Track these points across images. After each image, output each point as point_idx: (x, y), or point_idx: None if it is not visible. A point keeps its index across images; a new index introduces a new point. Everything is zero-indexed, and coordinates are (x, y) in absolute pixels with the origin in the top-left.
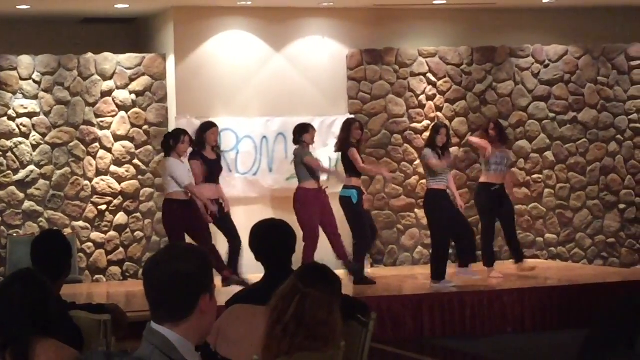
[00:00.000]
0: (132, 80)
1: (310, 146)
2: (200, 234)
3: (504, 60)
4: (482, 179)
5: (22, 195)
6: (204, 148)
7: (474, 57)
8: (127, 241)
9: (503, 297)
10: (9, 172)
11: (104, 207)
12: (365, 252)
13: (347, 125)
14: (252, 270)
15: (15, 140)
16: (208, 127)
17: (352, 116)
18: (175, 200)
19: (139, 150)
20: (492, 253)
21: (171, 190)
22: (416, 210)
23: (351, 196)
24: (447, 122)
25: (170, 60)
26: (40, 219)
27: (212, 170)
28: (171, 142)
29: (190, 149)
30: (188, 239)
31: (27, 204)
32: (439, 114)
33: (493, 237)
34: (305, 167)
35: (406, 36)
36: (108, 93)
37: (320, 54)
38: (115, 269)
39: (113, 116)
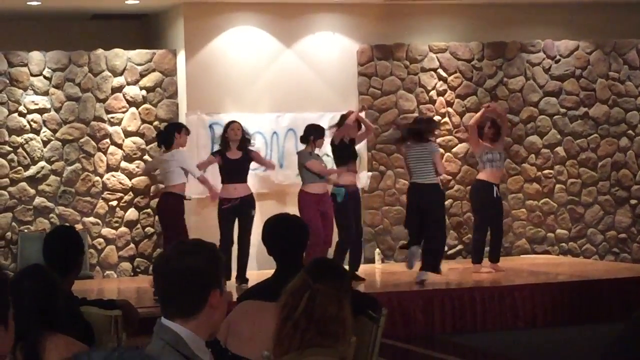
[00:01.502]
0: (142, 76)
1: (317, 148)
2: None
3: (514, 56)
4: (481, 176)
5: (33, 191)
6: (228, 148)
7: (484, 52)
8: (138, 237)
9: (514, 292)
10: (20, 168)
11: (114, 203)
12: (344, 252)
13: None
14: (263, 266)
15: (26, 136)
16: (227, 125)
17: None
18: (176, 194)
19: (149, 146)
20: (482, 250)
21: (175, 183)
22: None
23: (337, 194)
24: (457, 118)
25: (181, 56)
26: (51, 214)
27: (231, 169)
28: (176, 134)
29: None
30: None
31: (38, 200)
32: (449, 109)
33: (486, 233)
34: (308, 170)
35: (416, 31)
36: (118, 89)
37: (331, 50)
38: (126, 265)
39: (124, 112)
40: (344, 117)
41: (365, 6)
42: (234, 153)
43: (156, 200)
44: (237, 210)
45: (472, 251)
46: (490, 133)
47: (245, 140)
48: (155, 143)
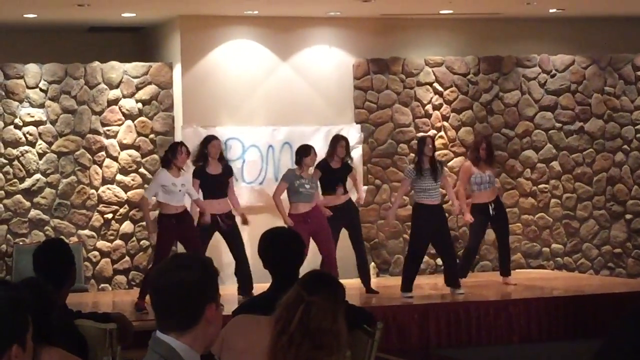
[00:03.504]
0: (138, 89)
1: (310, 168)
2: (192, 247)
3: (510, 70)
4: (471, 200)
5: (28, 203)
6: (207, 163)
7: (480, 66)
8: (133, 250)
9: (509, 307)
10: (16, 180)
11: (110, 215)
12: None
13: (333, 142)
14: (262, 279)
15: (21, 148)
16: (208, 140)
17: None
18: (165, 214)
19: (145, 159)
20: (468, 268)
21: (163, 202)
22: None
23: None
24: (453, 132)
25: (177, 69)
26: (47, 227)
27: (214, 185)
28: (169, 155)
29: (189, 161)
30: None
31: (34, 213)
32: (445, 123)
33: (474, 255)
34: (288, 190)
35: (413, 45)
36: (114, 102)
37: (327, 63)
38: (121, 278)
39: (119, 125)
40: (334, 141)
41: (362, 20)
42: (215, 168)
43: (152, 212)
44: (219, 226)
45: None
46: (484, 155)
47: (222, 156)
48: (151, 155)
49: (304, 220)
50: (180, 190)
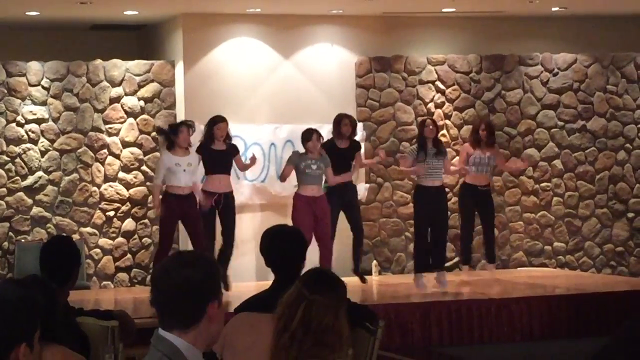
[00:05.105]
0: (140, 86)
1: (316, 150)
2: (193, 230)
3: (512, 69)
4: (466, 179)
5: (30, 201)
6: (213, 141)
7: (482, 65)
8: (135, 247)
9: (511, 305)
10: (18, 178)
11: (112, 213)
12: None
13: (337, 121)
14: (262, 277)
15: (23, 146)
16: (215, 121)
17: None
18: (169, 193)
19: (147, 157)
20: (469, 252)
21: (167, 183)
22: None
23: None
24: (455, 130)
25: (179, 67)
26: (49, 224)
27: (218, 161)
28: (171, 135)
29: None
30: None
31: (36, 210)
32: (447, 121)
33: (471, 236)
34: (297, 173)
35: (415, 44)
36: (117, 99)
37: (329, 62)
38: (123, 275)
39: (121, 123)
40: (337, 119)
41: (364, 18)
42: (219, 145)
43: (154, 210)
44: (219, 206)
45: (460, 253)
46: (484, 136)
47: (229, 137)
48: (153, 153)
49: (310, 202)
50: (185, 170)
